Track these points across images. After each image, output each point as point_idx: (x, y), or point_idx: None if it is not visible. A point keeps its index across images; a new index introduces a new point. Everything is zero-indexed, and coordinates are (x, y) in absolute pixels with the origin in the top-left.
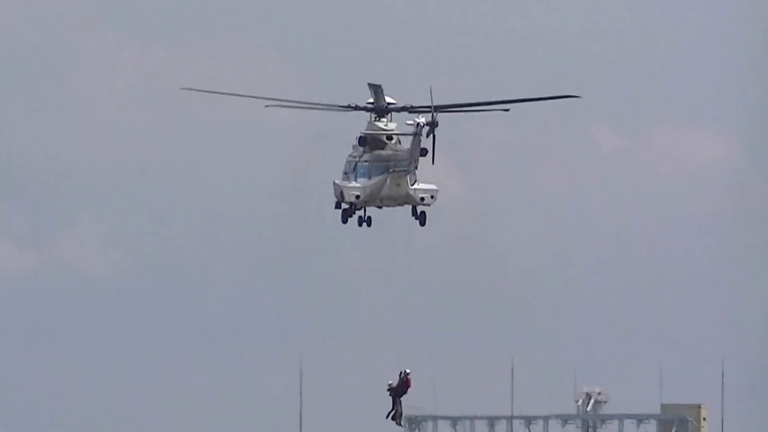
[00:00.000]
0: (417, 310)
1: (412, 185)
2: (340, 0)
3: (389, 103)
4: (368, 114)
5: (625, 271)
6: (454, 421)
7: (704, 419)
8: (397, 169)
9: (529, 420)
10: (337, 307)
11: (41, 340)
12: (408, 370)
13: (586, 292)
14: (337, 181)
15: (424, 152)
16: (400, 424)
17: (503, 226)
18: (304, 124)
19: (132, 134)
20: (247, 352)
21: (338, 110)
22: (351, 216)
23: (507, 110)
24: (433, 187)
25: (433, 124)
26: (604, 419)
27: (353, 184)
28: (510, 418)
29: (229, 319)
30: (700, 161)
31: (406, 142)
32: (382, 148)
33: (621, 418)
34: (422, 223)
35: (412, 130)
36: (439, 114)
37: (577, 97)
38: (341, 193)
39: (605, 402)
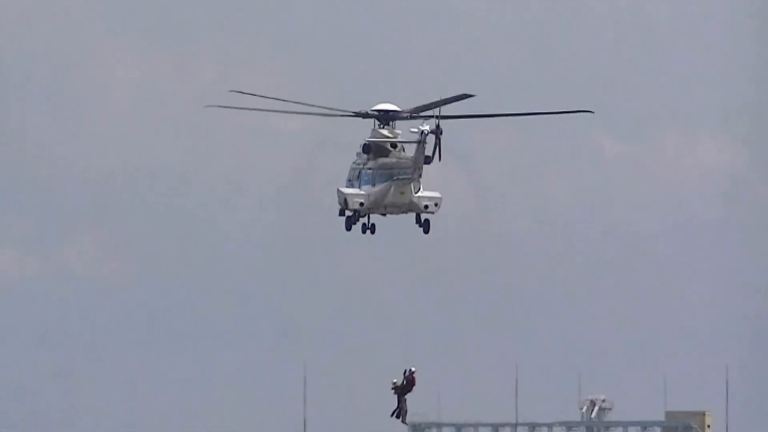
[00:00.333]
0: (421, 317)
1: (416, 193)
2: (348, 8)
3: (394, 111)
4: (372, 121)
5: (630, 278)
6: (458, 428)
7: (708, 426)
8: (401, 176)
9: (533, 427)
10: (340, 315)
11: (44, 344)
12: (413, 369)
13: (591, 300)
14: (341, 189)
15: (428, 160)
16: (405, 422)
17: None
18: (308, 131)
19: (135, 140)
20: (250, 359)
21: (342, 117)
22: (355, 223)
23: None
24: (437, 194)
25: (437, 133)
26: (609, 426)
27: (357, 191)
28: (514, 425)
29: (233, 325)
30: (705, 168)
31: (411, 150)
32: (386, 156)
33: (625, 425)
34: (426, 231)
35: (416, 138)
36: (444, 121)
37: (591, 112)
38: (345, 200)
39: (610, 409)
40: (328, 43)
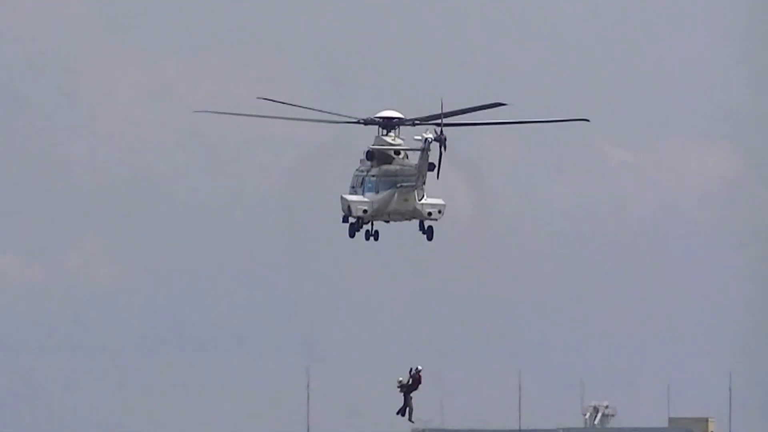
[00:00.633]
0: (424, 324)
1: (419, 200)
2: (351, 16)
3: (397, 118)
4: (376, 128)
5: (633, 284)
6: None
7: None
8: (404, 184)
9: None
10: (343, 321)
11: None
12: (419, 367)
13: (594, 306)
14: (344, 196)
15: (431, 167)
16: (411, 420)
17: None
18: (311, 137)
19: (141, 145)
20: (253, 365)
21: (346, 123)
22: (358, 230)
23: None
24: (440, 201)
25: (441, 140)
26: None
27: (361, 198)
28: None
29: (236, 330)
30: (709, 175)
31: (414, 157)
32: (390, 163)
33: (628, 431)
34: (429, 238)
35: (420, 145)
36: (447, 128)
37: (586, 120)
38: (349, 207)
39: (613, 415)
40: (333, 49)
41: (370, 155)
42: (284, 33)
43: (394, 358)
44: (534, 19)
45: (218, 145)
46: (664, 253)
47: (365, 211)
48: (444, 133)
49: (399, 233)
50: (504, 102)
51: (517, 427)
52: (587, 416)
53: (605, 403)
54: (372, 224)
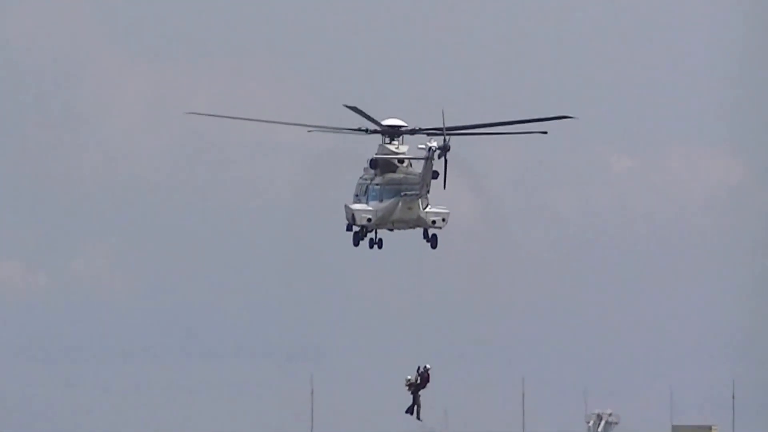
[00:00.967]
0: (428, 331)
1: (423, 208)
2: (351, 24)
3: (400, 126)
4: (380, 136)
5: (635, 292)
6: None
7: None
8: (408, 192)
9: None
10: (348, 329)
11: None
12: (428, 366)
13: (597, 313)
14: (348, 204)
15: (435, 175)
16: (419, 419)
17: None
18: (314, 145)
19: (143, 151)
20: (257, 373)
21: (349, 133)
22: (362, 238)
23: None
24: (444, 210)
25: (444, 148)
26: None
27: (365, 207)
28: None
29: (240, 339)
30: (714, 182)
31: (418, 166)
32: (394, 171)
33: None
34: (434, 246)
35: (423, 154)
36: (451, 136)
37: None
38: (353, 216)
39: (616, 423)
40: (337, 57)
41: (374, 164)
42: (287, 41)
43: (397, 366)
44: (538, 27)
45: (223, 153)
46: (668, 261)
47: (369, 220)
48: (448, 141)
49: (403, 241)
50: (572, 115)
51: None
52: (590, 424)
53: (608, 411)
54: (376, 232)
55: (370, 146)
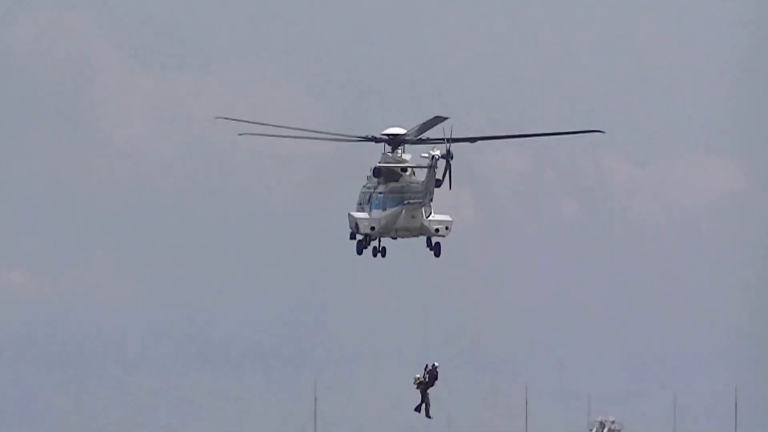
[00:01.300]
0: (431, 338)
1: (427, 217)
2: (359, 32)
3: (403, 135)
4: (382, 145)
5: (639, 299)
6: None
7: None
8: (412, 200)
9: None
10: (351, 336)
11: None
12: (436, 363)
13: (600, 320)
14: (352, 213)
15: (438, 184)
16: (429, 416)
17: (516, 256)
18: (318, 154)
19: (149, 159)
20: (261, 379)
21: (354, 141)
22: (366, 247)
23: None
24: (447, 218)
25: (447, 157)
26: None
27: (368, 215)
28: None
29: (243, 346)
30: (716, 190)
31: (421, 174)
32: (397, 180)
33: None
34: (437, 254)
35: (427, 162)
36: (454, 144)
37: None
38: (356, 224)
39: (619, 430)
40: (341, 66)
41: (378, 172)
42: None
43: (401, 372)
44: (541, 35)
45: (226, 161)
46: (671, 268)
47: (373, 228)
48: (451, 150)
49: (406, 250)
50: (602, 130)
51: None
52: (593, 431)
53: (612, 418)
54: (379, 241)
55: (374, 155)
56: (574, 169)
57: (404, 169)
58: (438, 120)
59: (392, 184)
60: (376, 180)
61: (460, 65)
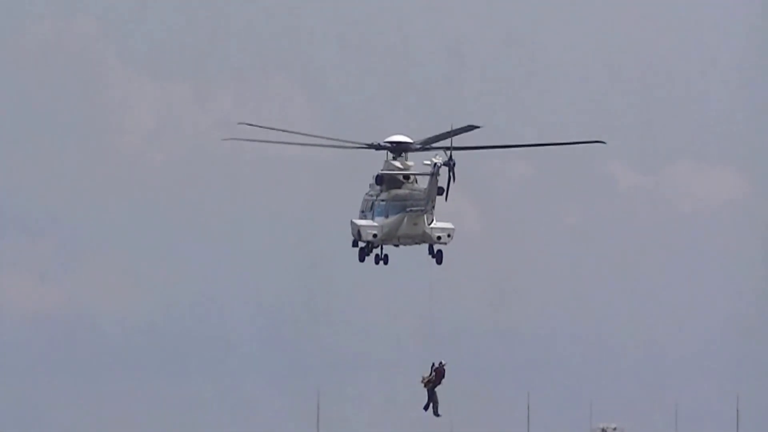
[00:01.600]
0: (433, 346)
1: (429, 224)
2: (362, 40)
3: (406, 142)
4: (385, 153)
5: (641, 306)
6: None
7: None
8: (414, 208)
9: None
10: (353, 344)
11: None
12: (443, 361)
13: (603, 328)
14: (354, 220)
15: (441, 191)
16: (437, 414)
17: (519, 263)
18: (321, 161)
19: (152, 169)
20: (262, 387)
21: (355, 148)
22: (368, 254)
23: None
24: (449, 226)
25: (450, 165)
26: None
27: (371, 223)
28: None
29: (245, 353)
30: (720, 199)
31: (423, 182)
32: (399, 187)
33: None
34: (439, 262)
35: (429, 170)
36: (458, 152)
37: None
38: (359, 231)
39: None
40: (343, 74)
41: (380, 179)
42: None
43: (404, 380)
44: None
45: (228, 168)
46: (673, 275)
47: (375, 236)
48: (453, 157)
49: (408, 257)
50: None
51: None
52: None
53: (614, 425)
54: (381, 248)
55: (376, 162)
56: (576, 177)
57: (407, 177)
58: (470, 128)
59: (395, 192)
60: (378, 187)
61: (463, 72)
